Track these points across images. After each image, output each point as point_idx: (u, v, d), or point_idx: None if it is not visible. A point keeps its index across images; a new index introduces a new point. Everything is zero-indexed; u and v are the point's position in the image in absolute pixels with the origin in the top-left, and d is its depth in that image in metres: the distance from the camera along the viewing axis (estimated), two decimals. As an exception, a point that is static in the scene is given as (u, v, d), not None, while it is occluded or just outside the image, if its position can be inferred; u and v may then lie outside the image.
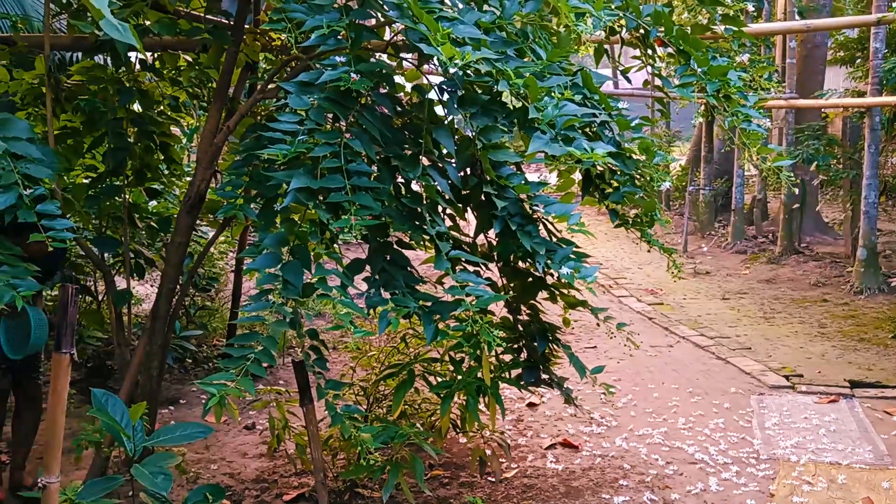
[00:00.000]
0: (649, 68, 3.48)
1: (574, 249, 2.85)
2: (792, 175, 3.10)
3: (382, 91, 2.88)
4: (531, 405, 5.10)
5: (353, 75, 2.53)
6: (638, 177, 3.02)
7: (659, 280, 9.35)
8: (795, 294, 8.56)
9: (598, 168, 2.82)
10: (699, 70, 2.95)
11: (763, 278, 9.38)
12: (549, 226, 3.18)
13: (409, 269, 2.90)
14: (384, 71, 2.77)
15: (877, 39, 8.27)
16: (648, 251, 3.21)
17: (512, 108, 2.78)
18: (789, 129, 10.33)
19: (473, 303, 2.54)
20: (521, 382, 3.58)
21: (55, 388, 2.10)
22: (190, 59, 4.25)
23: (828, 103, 9.89)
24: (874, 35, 8.30)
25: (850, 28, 10.16)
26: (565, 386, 3.79)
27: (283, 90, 2.73)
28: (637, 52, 3.53)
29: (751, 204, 12.05)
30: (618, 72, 3.48)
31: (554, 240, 3.01)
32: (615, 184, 2.98)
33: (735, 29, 3.37)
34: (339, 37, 2.57)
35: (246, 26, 3.50)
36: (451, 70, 2.35)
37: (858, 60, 10.63)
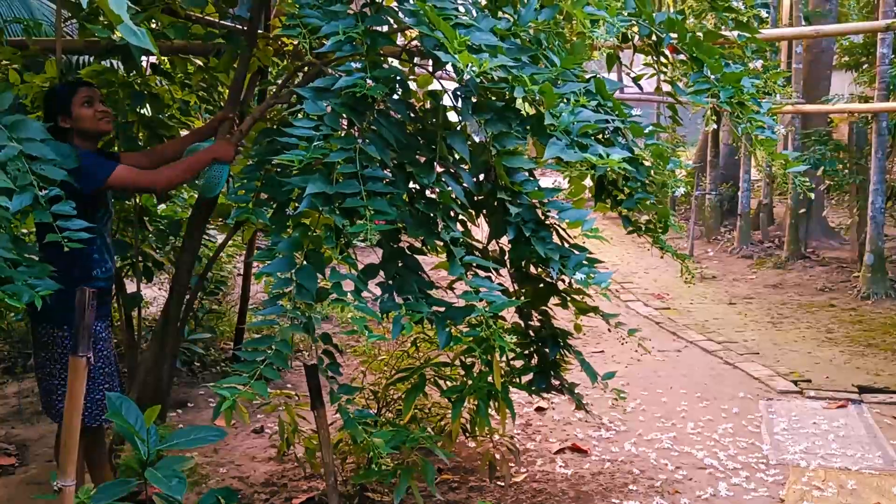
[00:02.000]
0: (660, 75, 3.49)
1: (587, 255, 2.86)
2: (807, 180, 3.10)
3: (396, 97, 2.89)
4: (539, 409, 5.10)
5: (368, 81, 2.53)
6: (649, 183, 3.02)
7: (666, 285, 9.34)
8: (802, 299, 8.54)
9: (612, 174, 2.82)
10: (713, 77, 2.95)
11: (770, 283, 9.37)
12: (562, 231, 3.18)
13: (421, 273, 2.90)
14: (399, 77, 2.78)
15: (884, 45, 8.26)
16: (661, 256, 3.21)
17: (525, 114, 2.79)
18: (796, 135, 10.32)
19: (487, 308, 2.54)
20: (533, 388, 3.58)
21: (71, 392, 2.11)
22: (200, 64, 4.27)
23: (834, 108, 9.88)
24: (881, 41, 8.30)
25: (858, 34, 10.17)
26: (576, 391, 3.79)
27: (297, 95, 2.73)
28: (646, 58, 3.53)
29: (757, 209, 12.03)
30: (629, 78, 3.48)
31: (566, 245, 3.01)
32: (628, 190, 2.98)
33: (748, 35, 3.37)
34: (354, 43, 2.58)
35: (258, 31, 3.51)
36: (467, 77, 2.35)
37: (864, 66, 10.62)
